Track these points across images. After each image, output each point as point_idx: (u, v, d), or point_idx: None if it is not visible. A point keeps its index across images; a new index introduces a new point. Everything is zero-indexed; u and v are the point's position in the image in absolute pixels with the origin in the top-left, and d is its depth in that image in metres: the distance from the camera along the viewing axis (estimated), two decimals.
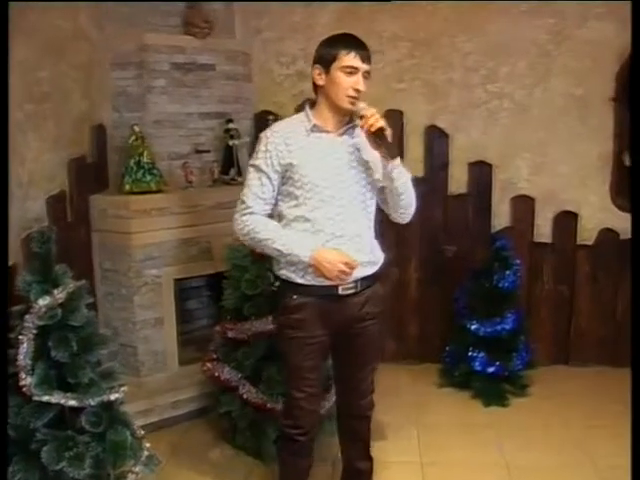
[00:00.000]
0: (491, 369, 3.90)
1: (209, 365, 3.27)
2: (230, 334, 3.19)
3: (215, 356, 3.31)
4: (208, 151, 3.90)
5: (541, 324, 4.31)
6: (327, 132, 2.34)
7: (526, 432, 3.51)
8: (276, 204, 2.38)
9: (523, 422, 3.62)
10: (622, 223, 4.20)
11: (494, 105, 4.17)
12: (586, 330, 4.32)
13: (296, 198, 2.32)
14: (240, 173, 3.92)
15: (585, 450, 3.33)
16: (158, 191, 3.58)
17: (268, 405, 3.09)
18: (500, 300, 3.94)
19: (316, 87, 2.37)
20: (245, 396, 3.13)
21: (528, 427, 3.56)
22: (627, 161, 4.04)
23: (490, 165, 4.24)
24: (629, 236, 4.16)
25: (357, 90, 2.28)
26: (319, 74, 2.31)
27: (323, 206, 2.31)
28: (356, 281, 2.37)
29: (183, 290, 3.94)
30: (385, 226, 4.23)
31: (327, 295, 2.34)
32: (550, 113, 4.15)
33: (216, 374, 3.23)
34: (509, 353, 3.94)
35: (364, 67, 2.28)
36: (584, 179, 4.21)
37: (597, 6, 4.01)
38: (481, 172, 4.26)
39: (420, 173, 4.27)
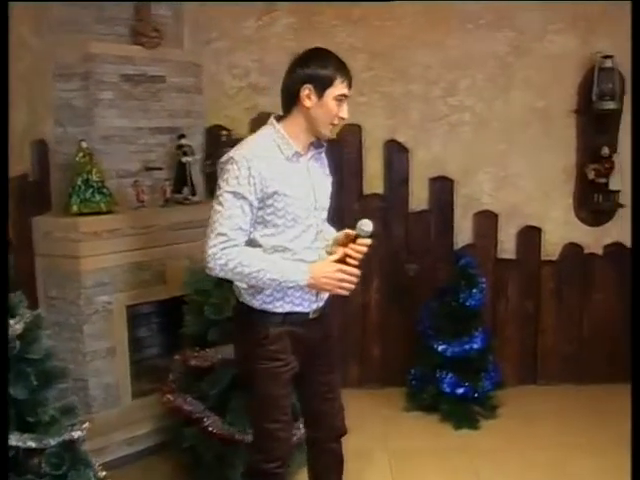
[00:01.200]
0: (460, 390, 3.95)
1: (170, 397, 3.20)
2: (193, 362, 3.12)
3: (175, 386, 3.24)
4: (160, 168, 3.83)
5: (507, 343, 4.40)
6: (302, 156, 2.32)
7: (501, 455, 3.55)
8: None
9: (496, 445, 3.67)
10: (586, 237, 4.37)
11: (455, 118, 4.26)
12: (552, 348, 4.43)
13: (275, 226, 2.27)
14: (194, 192, 3.87)
15: (563, 470, 3.40)
16: (108, 212, 3.49)
17: (236, 437, 3.03)
18: (467, 319, 4.00)
19: (292, 104, 2.28)
20: (210, 428, 3.06)
21: (502, 449, 3.61)
22: (590, 174, 4.18)
23: (451, 180, 4.32)
24: (593, 250, 4.36)
25: (342, 118, 2.30)
26: (308, 95, 2.23)
27: (302, 235, 2.30)
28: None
29: (132, 317, 3.84)
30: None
31: (300, 322, 2.36)
32: (512, 126, 4.27)
33: (178, 406, 3.15)
34: (478, 373, 4.00)
35: (349, 94, 2.31)
36: (547, 193, 4.34)
37: (556, 21, 4.17)
38: (442, 188, 4.34)
39: (379, 190, 4.32)
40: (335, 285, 2.26)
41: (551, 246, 4.38)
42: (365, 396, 4.29)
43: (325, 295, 2.41)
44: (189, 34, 4.08)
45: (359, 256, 2.28)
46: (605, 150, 4.17)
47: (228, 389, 3.08)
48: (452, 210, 4.35)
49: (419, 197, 4.35)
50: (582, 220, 4.37)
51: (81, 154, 3.44)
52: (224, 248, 2.19)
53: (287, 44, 4.17)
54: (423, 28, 4.16)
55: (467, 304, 3.98)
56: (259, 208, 2.23)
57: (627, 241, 4.35)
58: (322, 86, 2.23)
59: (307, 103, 2.24)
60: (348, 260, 2.27)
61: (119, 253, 3.50)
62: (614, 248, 4.38)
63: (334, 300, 2.50)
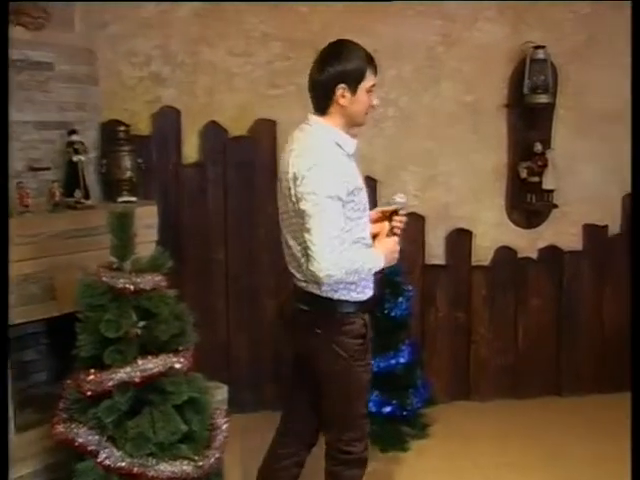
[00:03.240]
0: (387, 409, 3.93)
1: (60, 428, 3.03)
2: (87, 387, 2.98)
3: (66, 416, 3.08)
4: (47, 168, 3.66)
5: (437, 356, 4.43)
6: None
7: (433, 477, 3.57)
8: None
9: (428, 467, 3.68)
10: (519, 240, 4.46)
11: (379, 113, 4.20)
12: (486, 360, 4.50)
13: (350, 220, 2.48)
14: (87, 195, 3.71)
15: None
16: None
17: (135, 470, 2.91)
18: (393, 331, 3.98)
19: (328, 103, 2.51)
20: (108, 462, 2.93)
21: (434, 471, 3.63)
22: (523, 173, 4.25)
23: (375, 180, 4.30)
24: (527, 254, 4.43)
25: (373, 106, 2.58)
26: (343, 94, 2.47)
27: (366, 225, 2.60)
28: None
29: (17, 339, 3.66)
30: (258, 252, 4.20)
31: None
32: (439, 121, 4.31)
33: (69, 438, 3.00)
34: (406, 390, 3.99)
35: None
36: (477, 193, 4.41)
37: (487, 7, 4.24)
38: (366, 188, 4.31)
39: None
40: (396, 257, 2.61)
41: (482, 250, 4.44)
42: (271, 422, 4.14)
43: None
44: (81, 16, 3.92)
45: (402, 226, 2.63)
46: (538, 146, 4.27)
47: (127, 416, 2.95)
48: None
49: None
50: (515, 222, 4.45)
51: None
52: (340, 253, 2.39)
53: (192, 29, 4.10)
54: (345, 14, 4.13)
55: (393, 315, 3.96)
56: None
57: (562, 244, 4.49)
58: (355, 83, 2.48)
59: (343, 102, 2.49)
60: (395, 231, 2.62)
61: None
62: (549, 251, 4.49)
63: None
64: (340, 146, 2.52)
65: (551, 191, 4.31)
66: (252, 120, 4.17)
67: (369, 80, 2.50)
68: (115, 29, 4.04)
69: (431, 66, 4.28)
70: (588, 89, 4.38)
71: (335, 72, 2.47)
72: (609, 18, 4.34)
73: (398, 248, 2.62)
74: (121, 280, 3.02)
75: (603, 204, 4.50)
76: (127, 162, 3.83)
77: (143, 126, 4.08)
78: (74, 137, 3.69)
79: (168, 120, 4.12)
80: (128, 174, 3.83)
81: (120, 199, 3.82)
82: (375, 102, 2.58)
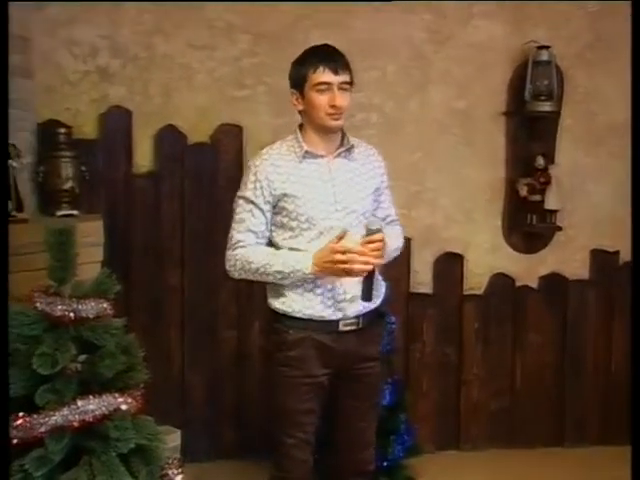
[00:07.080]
0: None
1: None
2: (15, 434, 2.87)
3: None
4: None
5: (423, 398, 4.40)
6: (321, 157, 2.79)
7: None
8: (269, 235, 2.82)
9: None
10: (517, 266, 4.44)
11: (359, 119, 4.20)
12: (479, 403, 4.47)
13: (291, 229, 2.75)
14: (20, 207, 3.61)
15: None
16: None
17: None
18: None
19: (299, 114, 2.84)
20: None
21: None
22: (523, 190, 4.24)
23: None
24: (526, 282, 4.42)
25: (335, 106, 2.69)
26: (296, 99, 2.78)
27: (320, 237, 2.71)
28: (358, 317, 2.78)
29: None
30: (218, 277, 4.17)
31: (327, 331, 2.76)
32: (428, 131, 4.30)
33: None
34: (387, 437, 3.91)
35: (338, 79, 2.70)
36: (470, 213, 4.39)
37: (482, 2, 4.24)
38: None
39: None
40: (340, 269, 2.60)
41: (475, 277, 4.43)
42: (245, 468, 4.12)
43: (357, 307, 2.75)
44: None
45: (373, 254, 2.63)
46: (540, 161, 4.26)
47: (61, 468, 2.83)
48: None
49: None
50: (513, 246, 4.44)
51: None
52: (234, 250, 2.77)
53: (146, 18, 4.05)
54: (322, 5, 4.11)
55: None
56: (275, 213, 2.77)
57: (566, 271, 4.48)
58: (300, 86, 2.74)
59: (298, 107, 2.80)
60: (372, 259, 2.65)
61: None
62: (551, 280, 4.48)
63: None
64: (294, 150, 2.78)
65: (555, 211, 4.30)
66: (215, 125, 4.14)
67: (314, 78, 2.69)
68: (54, 12, 3.93)
69: (417, 67, 4.26)
70: (598, 96, 4.38)
71: (290, 81, 2.81)
72: (623, 16, 4.32)
73: (337, 258, 2.59)
74: (59, 307, 2.92)
75: (613, 227, 4.45)
76: (68, 170, 3.77)
77: (88, 129, 4.01)
78: None
79: (117, 122, 4.05)
80: (69, 184, 3.77)
81: (59, 212, 3.75)
82: (335, 102, 2.68)
